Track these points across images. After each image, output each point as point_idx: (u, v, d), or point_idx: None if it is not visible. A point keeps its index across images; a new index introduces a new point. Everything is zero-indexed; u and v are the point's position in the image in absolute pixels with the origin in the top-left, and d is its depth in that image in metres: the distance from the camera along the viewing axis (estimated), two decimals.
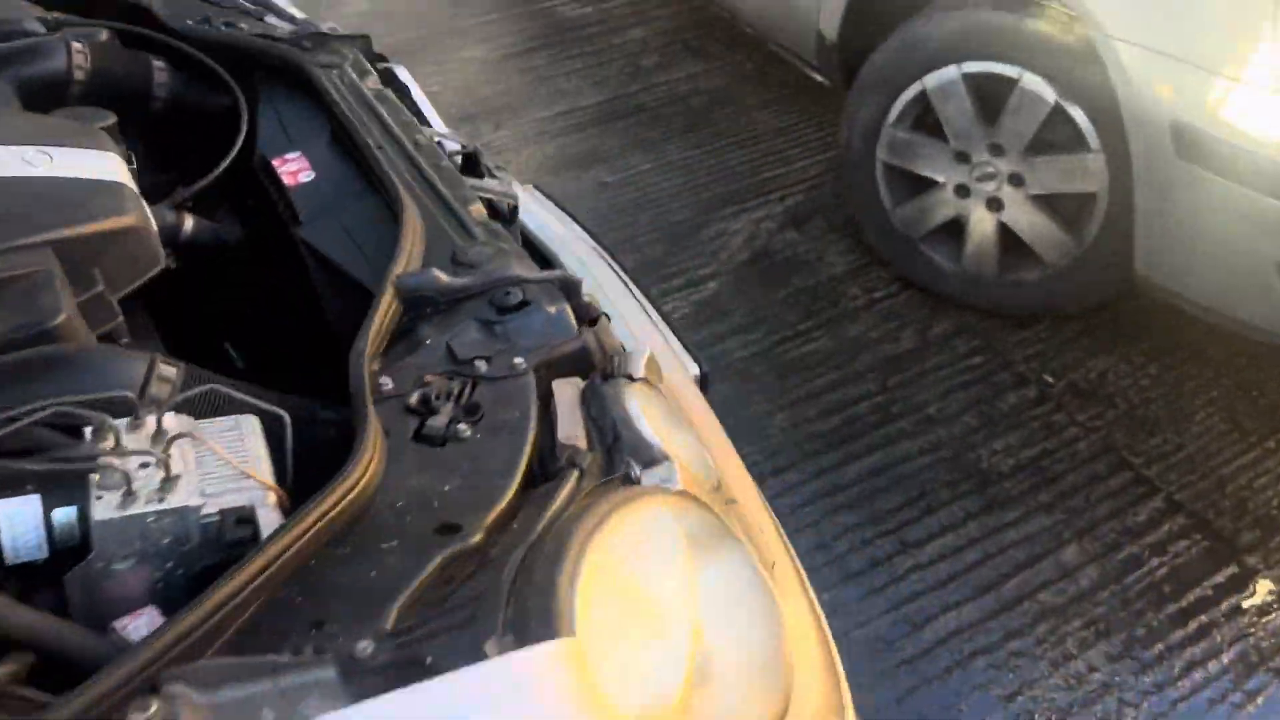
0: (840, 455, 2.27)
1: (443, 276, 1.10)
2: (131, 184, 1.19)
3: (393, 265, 1.11)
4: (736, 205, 2.99)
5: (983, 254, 2.50)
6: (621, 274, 1.51)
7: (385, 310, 1.06)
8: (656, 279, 2.70)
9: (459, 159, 1.45)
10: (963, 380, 2.45)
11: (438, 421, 0.93)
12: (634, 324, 1.34)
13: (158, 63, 1.55)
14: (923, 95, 2.42)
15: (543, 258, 1.37)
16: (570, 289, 1.11)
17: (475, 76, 3.60)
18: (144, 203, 1.18)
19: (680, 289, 2.71)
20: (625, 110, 3.42)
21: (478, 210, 1.26)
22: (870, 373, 2.47)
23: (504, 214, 1.34)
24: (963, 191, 2.45)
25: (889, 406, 2.38)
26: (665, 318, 1.42)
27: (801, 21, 2.81)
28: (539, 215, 1.54)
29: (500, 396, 0.97)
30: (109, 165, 1.20)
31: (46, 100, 1.47)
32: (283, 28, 1.72)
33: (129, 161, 1.41)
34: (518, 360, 1.00)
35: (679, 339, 1.43)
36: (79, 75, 1.45)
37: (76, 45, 1.46)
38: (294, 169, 1.37)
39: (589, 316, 1.09)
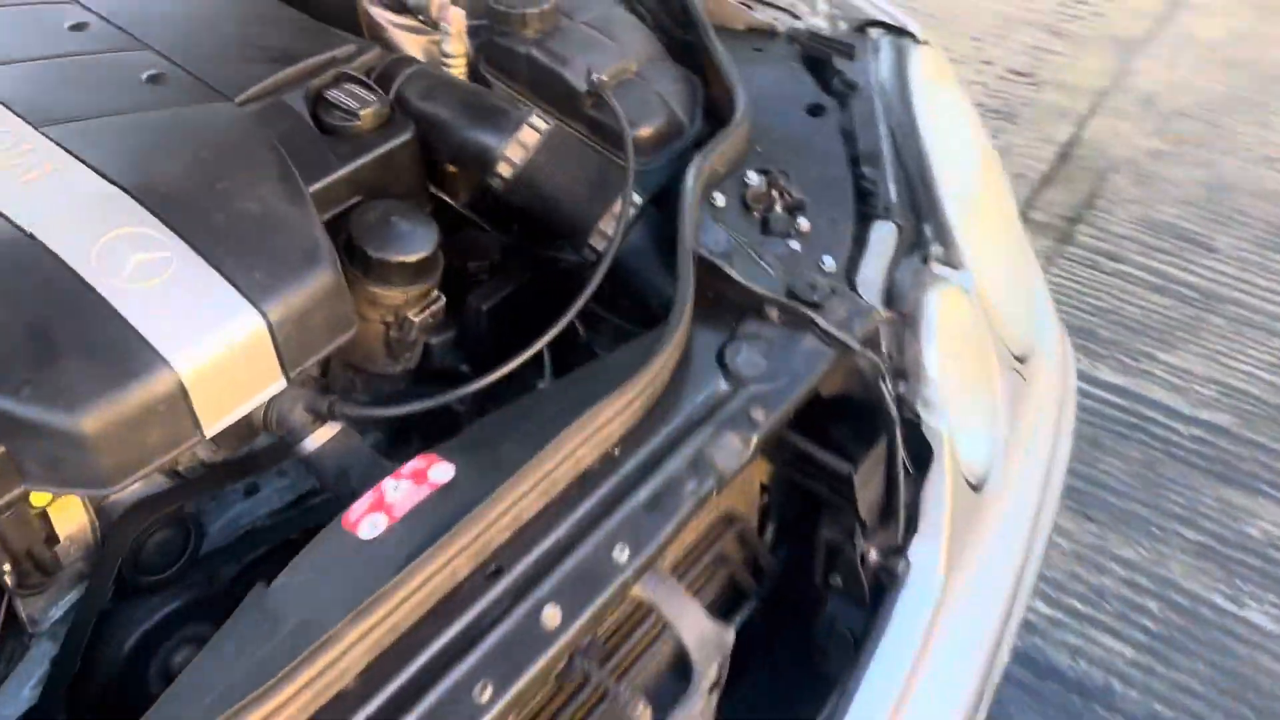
0: None
1: None
2: (224, 362, 0.81)
3: None
4: None
5: None
6: None
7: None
8: None
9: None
10: None
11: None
12: None
13: (631, 200, 1.03)
14: None
15: None
16: None
17: None
18: (194, 397, 0.79)
19: None
20: None
21: None
22: None
23: None
24: None
25: None
26: None
27: None
28: None
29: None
30: (218, 327, 0.81)
31: (459, 179, 1.15)
32: (828, 275, 1.08)
33: (429, 306, 1.00)
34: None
35: None
36: (503, 170, 1.04)
37: (532, 126, 1.05)
38: (388, 500, 0.79)
39: None
